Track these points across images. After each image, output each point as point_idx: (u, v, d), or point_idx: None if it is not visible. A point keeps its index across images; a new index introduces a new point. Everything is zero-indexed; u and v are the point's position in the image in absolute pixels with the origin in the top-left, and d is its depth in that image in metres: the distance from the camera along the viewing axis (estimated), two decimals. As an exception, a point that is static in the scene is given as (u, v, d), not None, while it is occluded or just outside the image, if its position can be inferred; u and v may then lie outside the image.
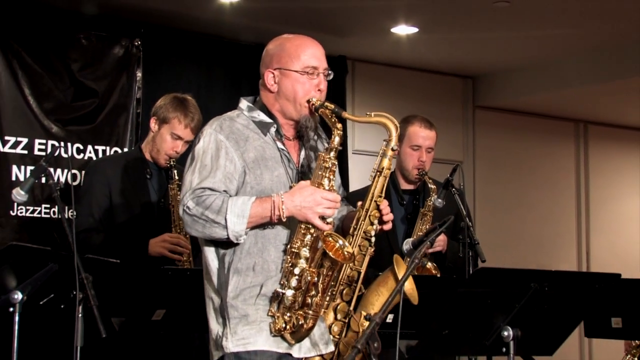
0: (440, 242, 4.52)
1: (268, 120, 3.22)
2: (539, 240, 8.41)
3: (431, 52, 7.25)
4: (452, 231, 4.57)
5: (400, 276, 3.05)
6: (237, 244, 3.08)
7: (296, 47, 3.20)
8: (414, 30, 6.67)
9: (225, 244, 3.11)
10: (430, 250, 4.49)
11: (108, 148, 6.14)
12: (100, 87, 6.16)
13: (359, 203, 3.21)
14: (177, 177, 4.40)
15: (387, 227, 3.23)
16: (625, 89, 7.62)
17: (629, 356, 4.76)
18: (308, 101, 3.16)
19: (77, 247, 3.95)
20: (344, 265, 3.11)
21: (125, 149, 6.11)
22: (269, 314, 3.07)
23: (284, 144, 3.22)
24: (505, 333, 3.14)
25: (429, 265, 4.53)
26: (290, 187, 3.11)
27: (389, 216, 3.20)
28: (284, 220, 3.04)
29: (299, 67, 3.17)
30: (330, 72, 3.24)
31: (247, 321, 3.08)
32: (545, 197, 8.58)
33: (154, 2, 6.10)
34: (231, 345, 3.07)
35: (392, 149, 3.17)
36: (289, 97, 3.19)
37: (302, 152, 3.27)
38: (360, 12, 6.33)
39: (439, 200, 4.55)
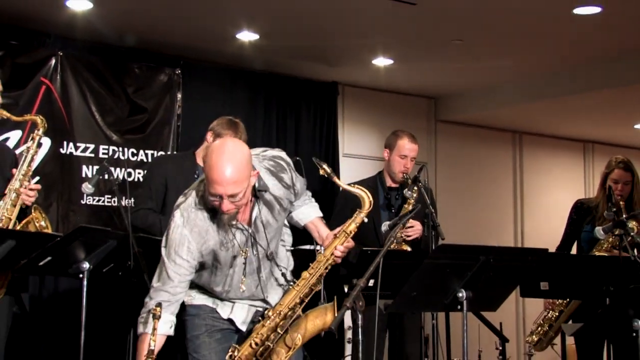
0: (418, 230, 4.53)
1: None
2: (485, 223, 8.39)
3: (403, 78, 7.23)
4: (421, 217, 4.56)
5: (333, 316, 2.93)
6: None
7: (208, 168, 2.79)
8: (390, 62, 6.65)
9: None
10: (411, 238, 4.51)
11: (155, 152, 6.10)
12: (150, 105, 6.13)
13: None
14: None
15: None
16: (552, 107, 7.61)
17: (549, 312, 4.74)
18: None
19: (137, 221, 3.90)
20: None
21: (169, 152, 6.09)
22: None
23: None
24: (460, 294, 3.13)
25: (404, 246, 4.53)
26: None
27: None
28: None
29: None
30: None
31: None
32: (490, 190, 8.56)
33: (190, 40, 6.09)
34: None
35: (362, 219, 3.03)
36: None
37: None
38: (348, 48, 6.31)
39: (408, 192, 4.59)
